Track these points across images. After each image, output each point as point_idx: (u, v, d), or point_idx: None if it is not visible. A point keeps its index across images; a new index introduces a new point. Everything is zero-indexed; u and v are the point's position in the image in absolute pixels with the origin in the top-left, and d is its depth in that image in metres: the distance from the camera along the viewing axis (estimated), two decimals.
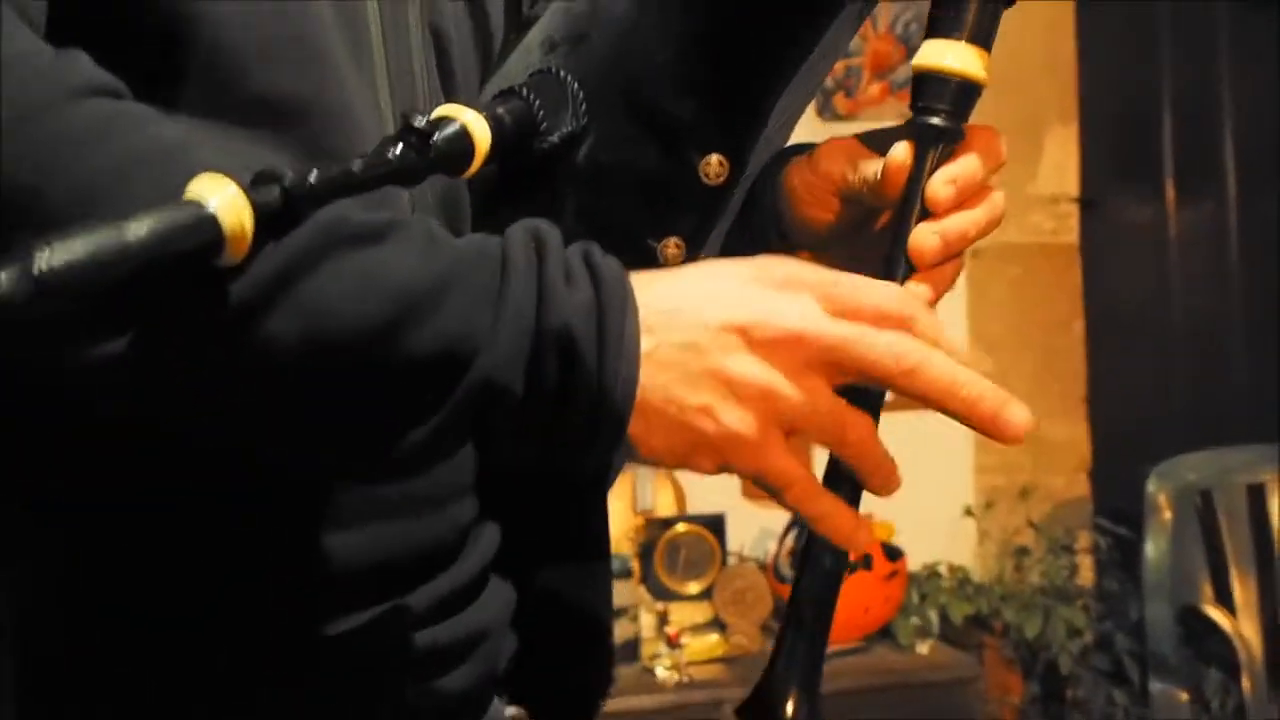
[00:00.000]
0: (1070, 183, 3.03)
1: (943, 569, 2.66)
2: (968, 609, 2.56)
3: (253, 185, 0.49)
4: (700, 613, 2.45)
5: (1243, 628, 2.33)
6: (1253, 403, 2.90)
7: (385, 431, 0.56)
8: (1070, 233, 3.02)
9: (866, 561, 2.41)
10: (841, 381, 0.57)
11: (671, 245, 0.70)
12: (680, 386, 0.55)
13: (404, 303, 0.53)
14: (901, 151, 0.65)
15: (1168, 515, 2.39)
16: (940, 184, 0.64)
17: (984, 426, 0.57)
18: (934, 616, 2.54)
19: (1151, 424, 2.91)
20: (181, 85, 0.57)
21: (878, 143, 0.70)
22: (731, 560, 2.53)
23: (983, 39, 0.63)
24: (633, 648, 2.30)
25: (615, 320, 0.55)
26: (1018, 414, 0.57)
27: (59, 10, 0.56)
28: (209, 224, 0.47)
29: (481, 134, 0.59)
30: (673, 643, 2.35)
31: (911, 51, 2.70)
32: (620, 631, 2.29)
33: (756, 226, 0.75)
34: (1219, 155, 3.09)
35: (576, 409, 0.54)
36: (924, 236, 0.63)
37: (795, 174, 0.74)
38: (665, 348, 0.55)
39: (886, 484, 0.60)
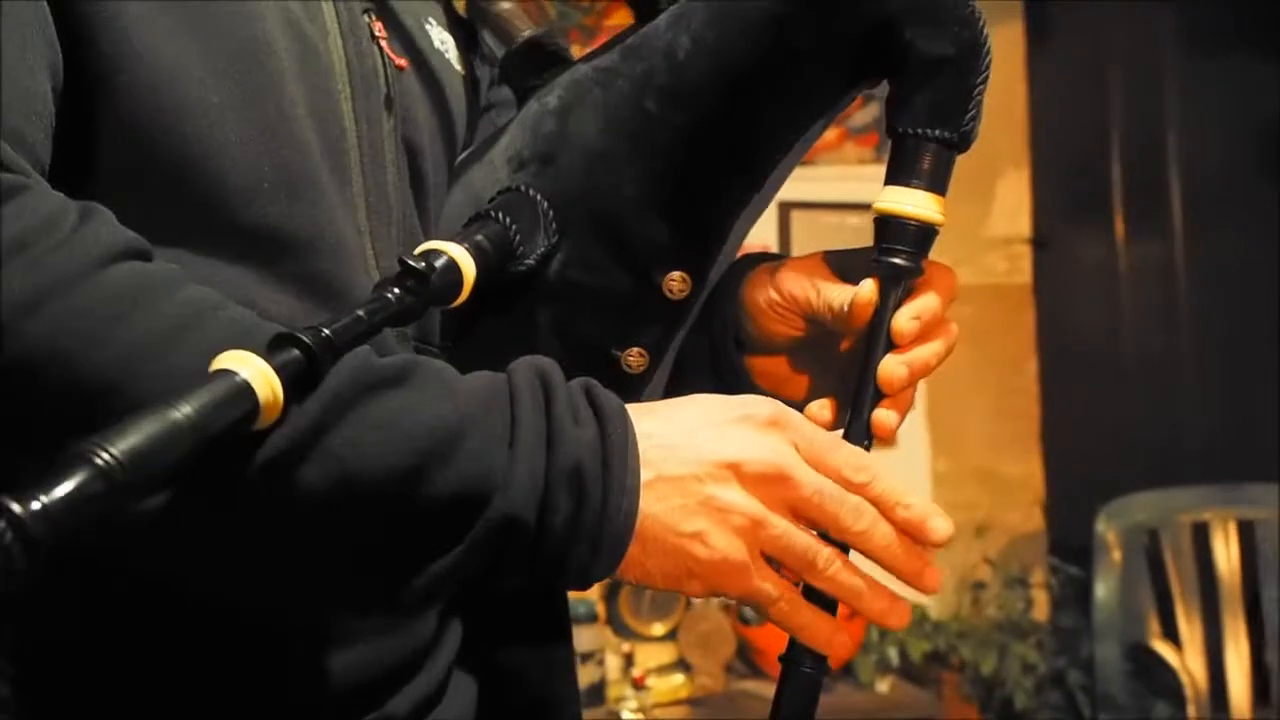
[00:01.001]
0: (1023, 224, 3.11)
1: None
2: (926, 646, 2.61)
3: (274, 349, 0.52)
4: (665, 654, 2.49)
5: (1189, 662, 2.40)
6: (1203, 438, 2.99)
7: (406, 569, 0.58)
8: (1024, 273, 3.10)
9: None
10: (809, 521, 0.62)
11: (635, 354, 0.75)
12: (676, 515, 0.59)
13: (426, 447, 0.55)
14: (868, 289, 0.70)
15: (1117, 555, 2.46)
16: (905, 320, 0.69)
17: (906, 580, 0.65)
18: (893, 653, 2.60)
19: (1104, 459, 2.99)
20: (181, 217, 0.61)
21: (839, 265, 0.75)
22: (696, 602, 2.58)
23: (938, 186, 0.69)
24: (599, 690, 2.35)
25: (619, 456, 0.58)
26: (931, 578, 0.65)
27: (65, 147, 0.59)
28: (246, 396, 0.49)
29: (468, 266, 0.64)
30: (638, 685, 2.40)
31: (868, 99, 2.77)
32: (586, 675, 2.33)
33: (716, 333, 0.79)
34: (1166, 196, 3.17)
35: (581, 540, 0.58)
36: (893, 368, 0.68)
37: (757, 290, 0.77)
38: (664, 480, 0.59)
39: (866, 609, 0.64)
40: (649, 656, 2.47)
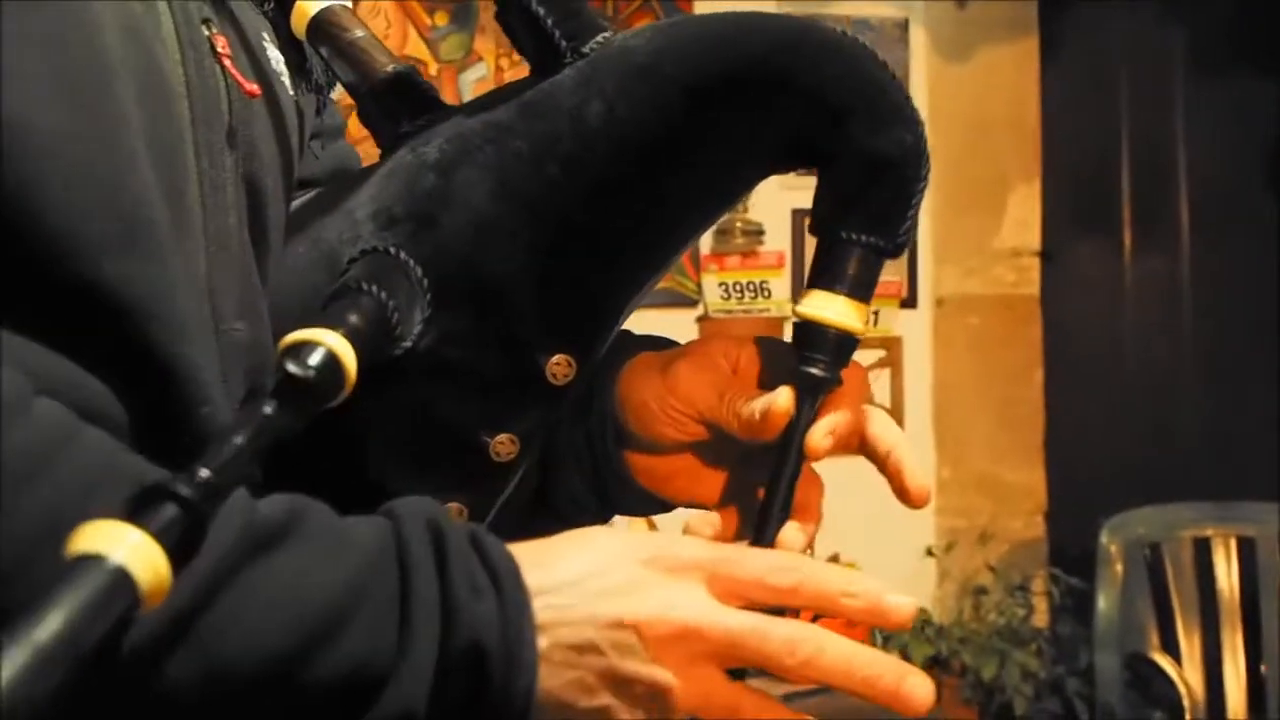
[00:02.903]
0: (1032, 237, 3.15)
1: None
2: (928, 650, 2.66)
3: (141, 508, 0.41)
4: None
5: (1187, 674, 2.46)
6: (1204, 452, 3.04)
7: None
8: (1031, 285, 3.14)
9: None
10: (735, 665, 0.55)
11: (505, 441, 0.66)
12: (575, 691, 0.53)
13: (307, 628, 0.48)
14: (785, 401, 0.64)
15: (1119, 567, 2.51)
16: (820, 436, 0.64)
17: (886, 702, 0.54)
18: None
19: (1106, 469, 3.04)
20: (5, 275, 0.48)
21: (737, 362, 0.69)
22: None
23: (862, 293, 0.64)
24: None
25: (515, 629, 0.51)
26: (919, 686, 0.54)
27: None
28: (125, 589, 0.39)
29: (349, 361, 0.52)
30: None
31: None
32: None
33: (594, 428, 0.72)
34: (1174, 211, 3.22)
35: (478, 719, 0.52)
36: (792, 537, 0.64)
37: (645, 389, 0.69)
38: (560, 649, 0.52)
39: None
40: None
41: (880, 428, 0.67)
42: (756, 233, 2.84)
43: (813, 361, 0.64)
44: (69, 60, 0.50)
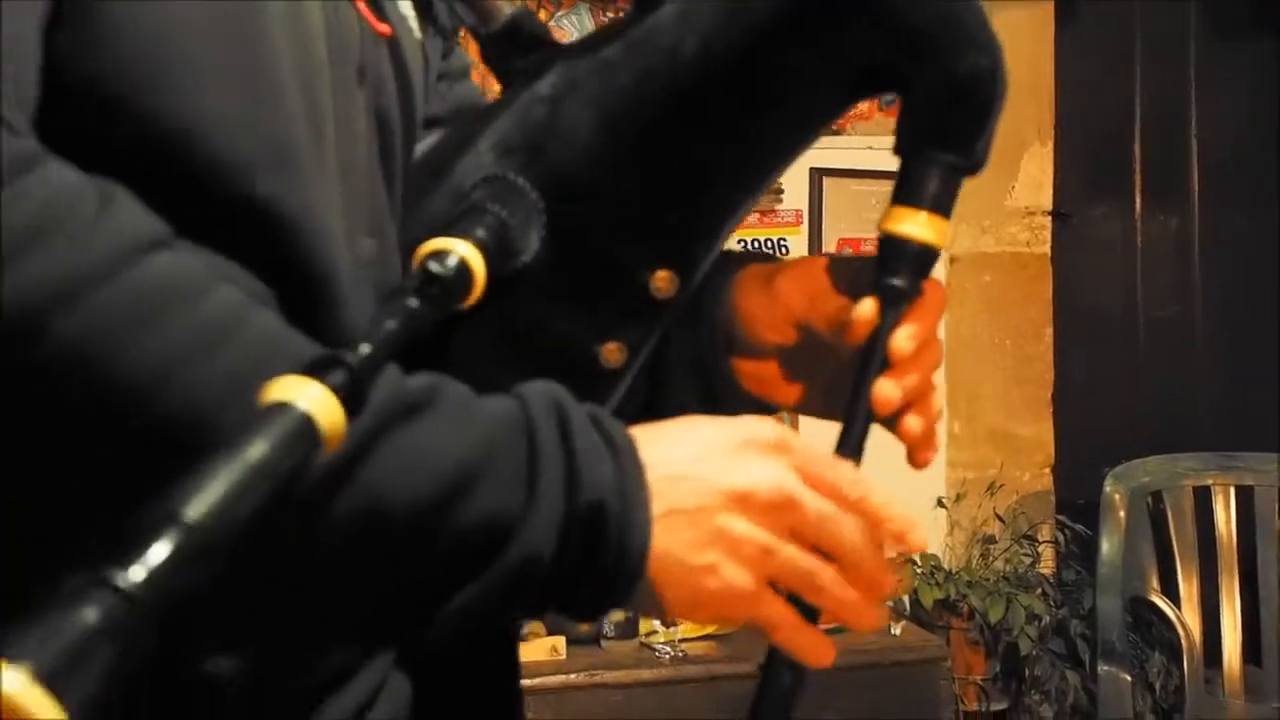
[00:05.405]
0: (1045, 197, 3.20)
1: (915, 557, 2.79)
2: (937, 594, 2.72)
3: (322, 371, 0.47)
4: None
5: (1185, 616, 2.54)
6: (1208, 407, 3.12)
7: (420, 605, 0.56)
8: (1043, 244, 3.20)
9: None
10: (814, 544, 0.62)
11: (613, 349, 0.71)
12: (687, 549, 0.58)
13: (450, 481, 0.54)
14: (868, 309, 0.69)
15: (1121, 514, 2.59)
16: (902, 340, 0.69)
17: (859, 590, 0.63)
18: (906, 600, 2.73)
19: (1112, 424, 3.11)
20: (163, 190, 0.53)
21: (836, 276, 0.74)
22: None
23: (944, 209, 0.68)
24: (633, 624, 2.50)
25: (633, 493, 0.57)
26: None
27: (44, 115, 0.52)
28: (310, 432, 0.45)
29: (479, 267, 0.59)
30: (667, 621, 2.55)
31: None
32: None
33: (704, 339, 0.77)
34: (1185, 172, 3.28)
35: (597, 578, 0.57)
36: (888, 390, 0.69)
37: (750, 297, 0.76)
38: (675, 514, 0.58)
39: (856, 623, 0.64)
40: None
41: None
42: (776, 192, 2.90)
43: (894, 273, 0.69)
44: (228, 5, 0.56)
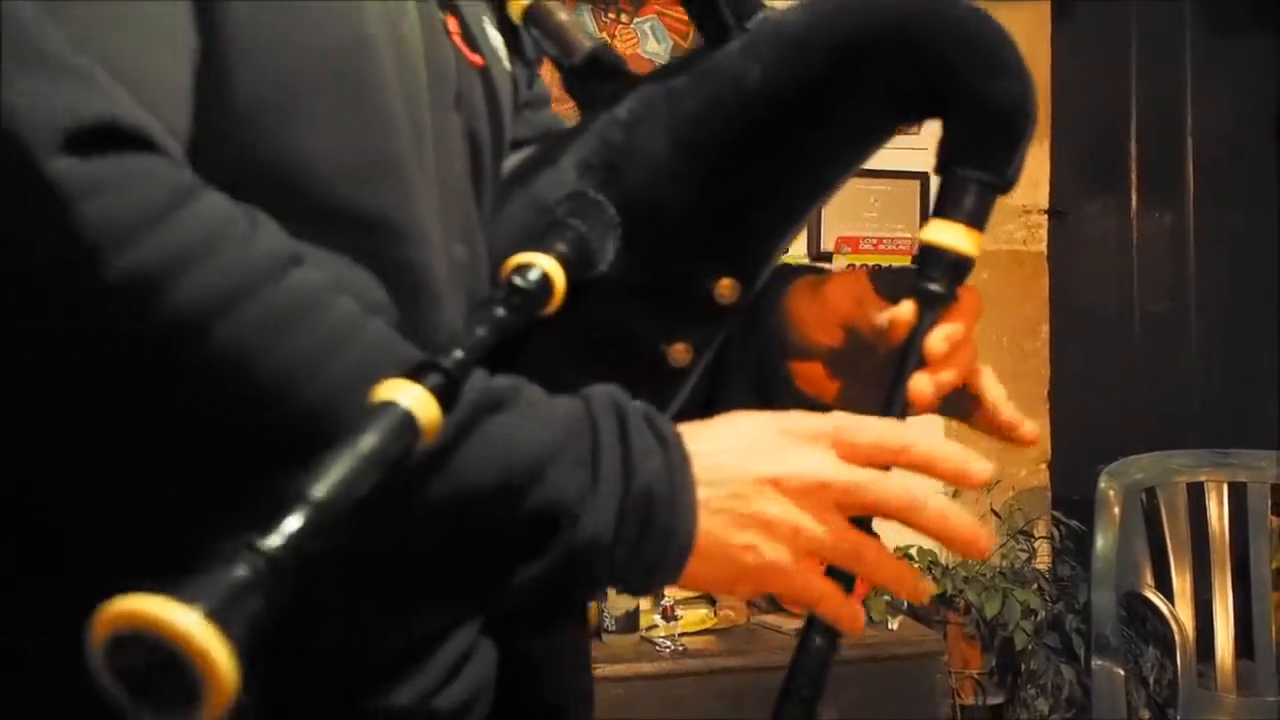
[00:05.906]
0: (1041, 195, 3.23)
1: (913, 552, 2.82)
2: (934, 589, 2.75)
3: (418, 373, 0.54)
4: None
5: (1179, 611, 2.56)
6: (1202, 405, 3.14)
7: (493, 577, 0.61)
8: (1039, 242, 3.22)
9: None
10: (856, 514, 0.67)
11: (680, 349, 0.78)
12: (728, 530, 0.64)
13: (526, 468, 0.60)
14: (908, 310, 0.75)
15: (1116, 510, 2.61)
16: (938, 340, 0.74)
17: (960, 548, 0.69)
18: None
19: (1107, 421, 3.14)
20: (275, 202, 0.59)
21: (879, 284, 0.81)
22: None
23: (978, 223, 0.74)
24: (634, 618, 2.52)
25: (680, 481, 0.63)
26: (985, 540, 0.69)
27: (193, 149, 0.58)
28: (412, 427, 0.52)
29: (559, 279, 0.67)
30: (668, 615, 2.58)
31: None
32: (623, 603, 2.51)
33: (762, 342, 0.84)
34: (1181, 170, 3.30)
35: (648, 558, 0.62)
36: (922, 384, 0.74)
37: (801, 303, 0.83)
38: (716, 499, 0.64)
39: (910, 594, 0.71)
40: (678, 589, 2.62)
41: (990, 379, 0.80)
42: None
43: (931, 279, 0.75)
44: (334, 45, 0.63)
